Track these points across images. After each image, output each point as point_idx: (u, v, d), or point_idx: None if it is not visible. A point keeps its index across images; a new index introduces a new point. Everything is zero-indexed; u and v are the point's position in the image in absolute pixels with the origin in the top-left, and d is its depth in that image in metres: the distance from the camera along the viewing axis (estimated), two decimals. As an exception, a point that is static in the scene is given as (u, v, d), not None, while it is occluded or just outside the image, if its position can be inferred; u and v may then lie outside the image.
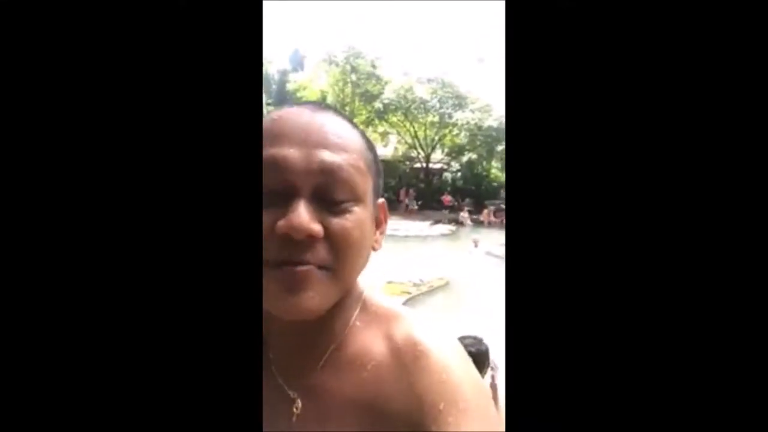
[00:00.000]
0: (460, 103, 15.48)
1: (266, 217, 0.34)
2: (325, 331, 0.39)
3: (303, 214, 0.33)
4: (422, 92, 15.38)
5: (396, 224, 11.89)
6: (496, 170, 16.30)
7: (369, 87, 15.38)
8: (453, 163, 16.40)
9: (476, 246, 8.75)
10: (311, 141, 0.35)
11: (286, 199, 0.34)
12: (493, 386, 1.77)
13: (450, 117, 15.35)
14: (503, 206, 14.59)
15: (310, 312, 0.35)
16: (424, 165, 16.10)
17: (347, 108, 15.83)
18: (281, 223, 0.33)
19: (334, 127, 0.37)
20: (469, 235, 10.98)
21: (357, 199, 0.36)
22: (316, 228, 0.34)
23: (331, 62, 15.61)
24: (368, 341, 0.39)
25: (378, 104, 15.17)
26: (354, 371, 0.38)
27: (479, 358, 1.68)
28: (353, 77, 15.46)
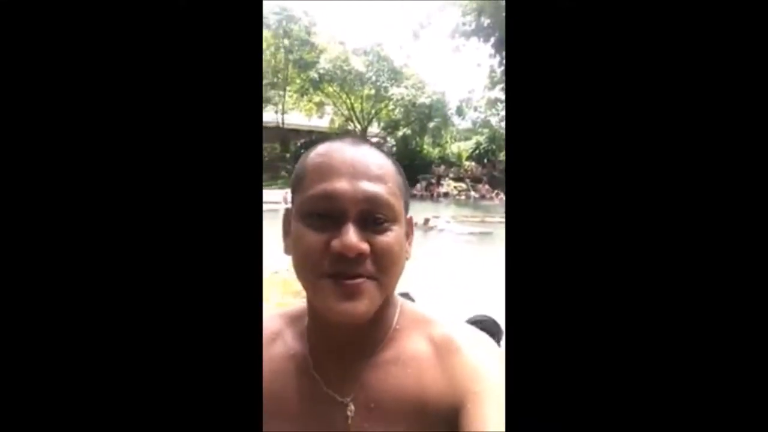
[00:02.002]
0: (395, 77, 15.71)
1: (320, 238, 0.41)
2: (370, 336, 0.46)
3: (353, 236, 0.40)
4: (358, 64, 15.30)
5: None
6: (428, 146, 17.09)
7: (303, 54, 14.88)
8: (388, 138, 16.78)
9: (426, 223, 8.76)
10: (356, 174, 0.42)
11: (337, 223, 0.41)
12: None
13: (386, 91, 15.58)
14: (433, 180, 15.48)
15: (362, 316, 0.42)
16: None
17: (280, 75, 15.17)
18: (335, 243, 0.40)
19: (372, 159, 0.43)
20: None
21: (394, 219, 0.43)
22: (365, 246, 0.40)
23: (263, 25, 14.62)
24: (409, 341, 0.46)
25: (313, 74, 14.80)
26: (398, 368, 0.45)
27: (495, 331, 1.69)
28: (286, 42, 14.79)
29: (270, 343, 0.49)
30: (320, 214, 0.41)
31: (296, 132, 15.82)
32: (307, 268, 0.42)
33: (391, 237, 0.42)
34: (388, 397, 0.44)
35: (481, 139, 16.78)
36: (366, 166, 0.42)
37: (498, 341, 1.66)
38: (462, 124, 17.56)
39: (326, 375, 0.46)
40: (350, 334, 0.45)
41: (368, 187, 0.41)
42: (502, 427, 0.38)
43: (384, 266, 0.42)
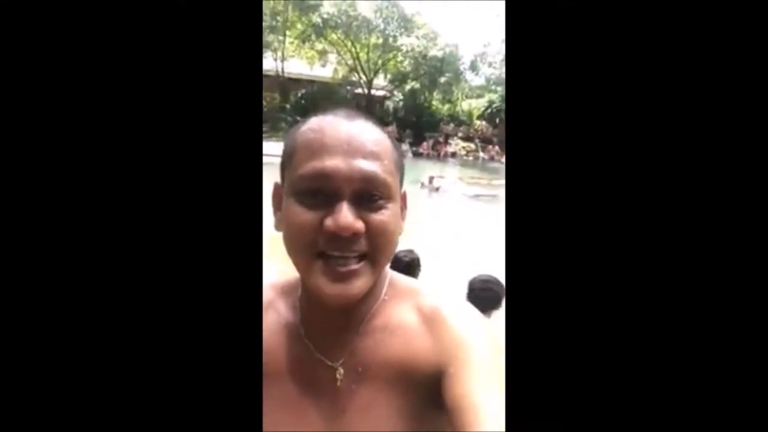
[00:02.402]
0: (405, 26, 14.54)
1: (313, 216, 0.39)
2: (360, 305, 0.45)
3: (348, 215, 0.38)
4: (365, 10, 14.10)
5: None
6: (437, 102, 16.17)
7: (305, -5, 13.67)
8: (395, 92, 15.85)
9: (431, 182, 8.43)
10: (351, 151, 0.39)
11: (331, 201, 0.39)
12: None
13: (395, 41, 14.47)
14: (441, 139, 14.77)
15: (354, 298, 0.41)
16: (366, 91, 15.36)
17: (279, 18, 14.05)
18: (329, 222, 0.38)
19: (368, 135, 0.41)
20: (411, 167, 11.02)
21: (390, 197, 0.41)
22: (359, 226, 0.39)
23: (261, -41, 13.39)
24: (397, 312, 0.46)
25: (316, 18, 13.66)
26: (386, 336, 0.45)
27: (495, 300, 1.73)
28: (287, -19, 13.56)
29: (263, 312, 0.49)
30: (313, 192, 0.40)
31: (297, 81, 14.89)
32: (299, 247, 0.41)
33: (386, 215, 0.41)
34: (376, 362, 0.45)
35: (494, 97, 15.76)
36: (361, 143, 0.41)
37: (501, 301, 1.70)
38: (475, 80, 16.52)
39: (317, 342, 0.47)
40: (341, 307, 0.45)
41: (364, 165, 0.40)
42: (484, 391, 0.39)
43: (378, 244, 0.41)
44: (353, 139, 0.40)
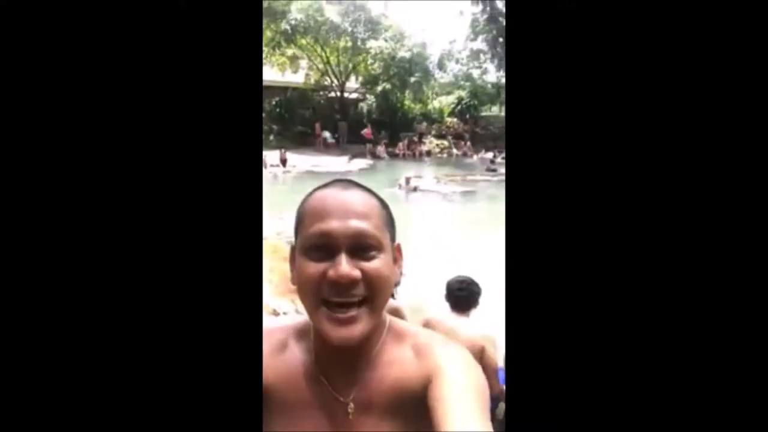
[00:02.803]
0: (373, 28, 14.79)
1: (318, 267, 0.48)
2: (365, 346, 0.53)
3: (345, 266, 0.47)
4: (332, 14, 14.26)
5: (315, 160, 11.73)
6: (409, 101, 16.56)
7: (272, 3, 13.70)
8: (368, 95, 16.11)
9: (408, 183, 8.75)
10: (346, 213, 0.49)
11: (332, 254, 0.48)
12: None
13: (364, 43, 14.72)
14: (416, 138, 15.18)
15: (357, 340, 0.49)
16: (339, 95, 15.59)
17: (249, 26, 13.91)
18: (331, 272, 0.47)
19: (358, 200, 0.51)
20: (388, 169, 11.31)
21: (380, 248, 0.50)
22: (356, 273, 0.47)
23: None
24: (396, 350, 0.54)
25: (285, 25, 13.74)
26: (387, 370, 0.53)
27: (471, 299, 1.78)
28: (253, -11, 13.46)
29: (279, 351, 0.56)
30: (317, 248, 0.48)
31: (270, 89, 14.95)
32: (307, 296, 0.49)
33: (379, 263, 0.49)
34: (379, 393, 0.52)
35: (463, 93, 16.30)
36: (353, 206, 0.50)
37: (478, 299, 1.79)
38: (443, 77, 16.96)
39: (330, 380, 0.54)
40: (346, 351, 0.51)
41: (355, 223, 0.48)
42: (459, 397, 0.46)
43: (375, 289, 0.49)
44: (347, 204, 0.49)
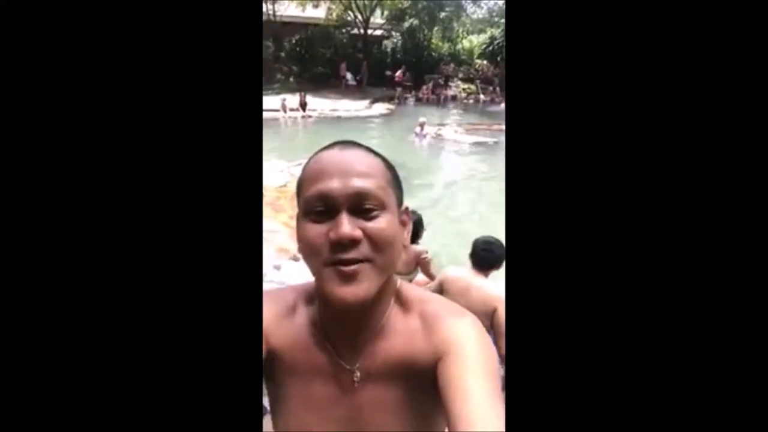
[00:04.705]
0: (401, -45, 13.42)
1: (319, 229, 0.47)
2: (371, 316, 0.52)
3: (346, 225, 0.45)
4: (358, -63, 12.94)
5: (335, 104, 11.38)
6: (437, 40, 15.42)
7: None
8: (393, 32, 15.05)
9: (422, 129, 8.31)
10: (346, 173, 0.47)
11: (333, 215, 0.47)
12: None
13: (390, -27, 13.47)
14: (441, 81, 14.33)
15: (362, 300, 0.46)
16: (363, 32, 14.64)
17: (267, -47, 12.97)
18: (332, 233, 0.46)
19: (359, 159, 0.49)
20: (412, 114, 10.65)
21: (383, 207, 0.48)
22: (357, 233, 0.46)
23: None
24: (404, 318, 0.53)
25: (306, -49, 12.65)
26: (394, 340, 0.52)
27: (495, 260, 1.78)
28: None
29: (288, 314, 0.55)
30: (318, 210, 0.47)
31: (290, 26, 14.18)
32: (311, 257, 0.48)
33: (382, 222, 0.47)
34: (386, 363, 0.52)
35: (497, 32, 14.97)
36: (353, 166, 0.48)
37: (501, 262, 1.80)
38: (477, 12, 15.55)
39: (336, 346, 0.53)
40: (353, 318, 0.51)
41: (356, 182, 0.47)
42: (471, 376, 0.45)
43: (379, 248, 0.47)
44: (346, 164, 0.48)
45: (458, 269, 1.85)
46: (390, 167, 0.52)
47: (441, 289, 1.76)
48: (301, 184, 0.50)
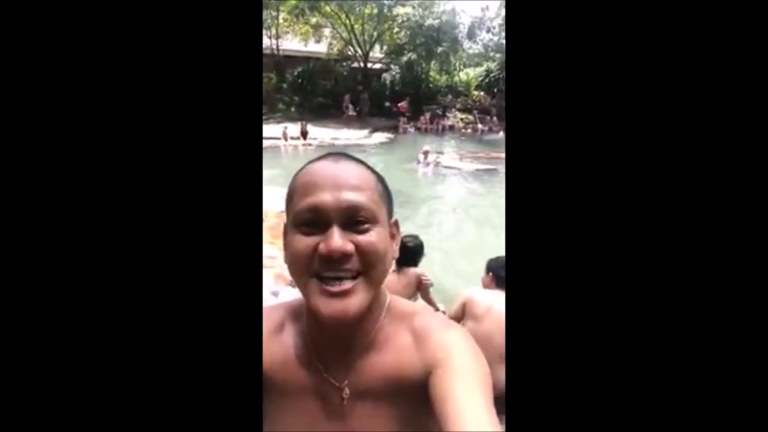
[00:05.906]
0: (399, -6, 14.11)
1: (309, 241, 0.45)
2: (361, 331, 0.51)
3: (337, 239, 0.44)
4: (359, -22, 13.64)
5: (336, 133, 11.58)
6: (435, 73, 15.93)
7: (297, -32, 13.21)
8: (392, 65, 15.59)
9: (426, 157, 8.47)
10: (337, 186, 0.46)
11: (323, 228, 0.45)
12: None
13: (390, 11, 14.10)
14: (439, 111, 14.68)
15: (352, 315, 0.45)
16: (363, 65, 15.15)
17: (272, -7, 13.69)
18: (322, 246, 0.44)
19: (351, 172, 0.48)
20: (411, 143, 10.98)
21: (375, 221, 0.47)
22: (349, 247, 0.45)
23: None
24: (393, 333, 0.52)
25: (309, -9, 13.29)
26: (384, 355, 0.51)
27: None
28: (275, -47, 13.04)
29: (276, 332, 0.54)
30: (308, 222, 0.46)
31: (292, 59, 14.69)
32: (298, 271, 0.46)
33: (373, 236, 0.46)
34: (375, 379, 0.50)
35: (492, 66, 15.51)
36: (345, 178, 0.47)
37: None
38: (472, 48, 16.13)
39: (325, 363, 0.52)
40: (341, 333, 0.50)
41: (347, 196, 0.46)
42: (463, 388, 0.43)
43: (370, 262, 0.46)
44: (338, 177, 0.47)
45: (482, 290, 1.81)
46: (380, 179, 0.51)
47: (463, 310, 1.71)
48: (292, 195, 0.49)
